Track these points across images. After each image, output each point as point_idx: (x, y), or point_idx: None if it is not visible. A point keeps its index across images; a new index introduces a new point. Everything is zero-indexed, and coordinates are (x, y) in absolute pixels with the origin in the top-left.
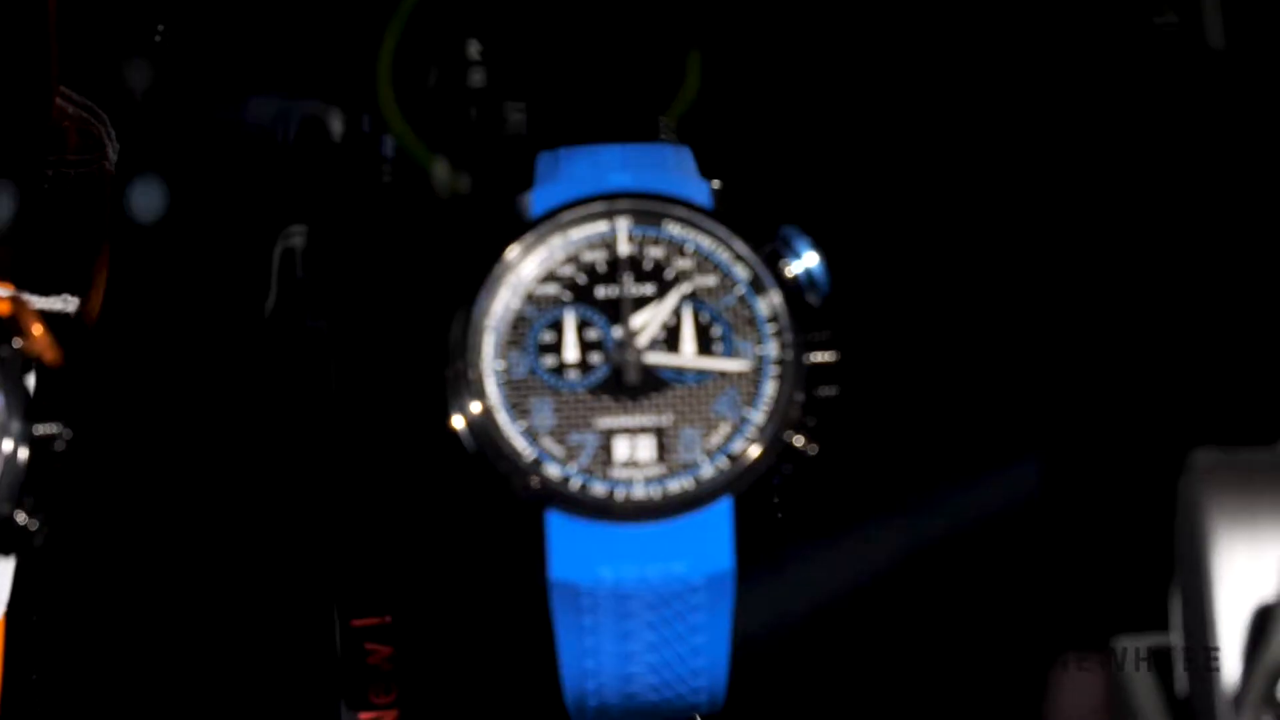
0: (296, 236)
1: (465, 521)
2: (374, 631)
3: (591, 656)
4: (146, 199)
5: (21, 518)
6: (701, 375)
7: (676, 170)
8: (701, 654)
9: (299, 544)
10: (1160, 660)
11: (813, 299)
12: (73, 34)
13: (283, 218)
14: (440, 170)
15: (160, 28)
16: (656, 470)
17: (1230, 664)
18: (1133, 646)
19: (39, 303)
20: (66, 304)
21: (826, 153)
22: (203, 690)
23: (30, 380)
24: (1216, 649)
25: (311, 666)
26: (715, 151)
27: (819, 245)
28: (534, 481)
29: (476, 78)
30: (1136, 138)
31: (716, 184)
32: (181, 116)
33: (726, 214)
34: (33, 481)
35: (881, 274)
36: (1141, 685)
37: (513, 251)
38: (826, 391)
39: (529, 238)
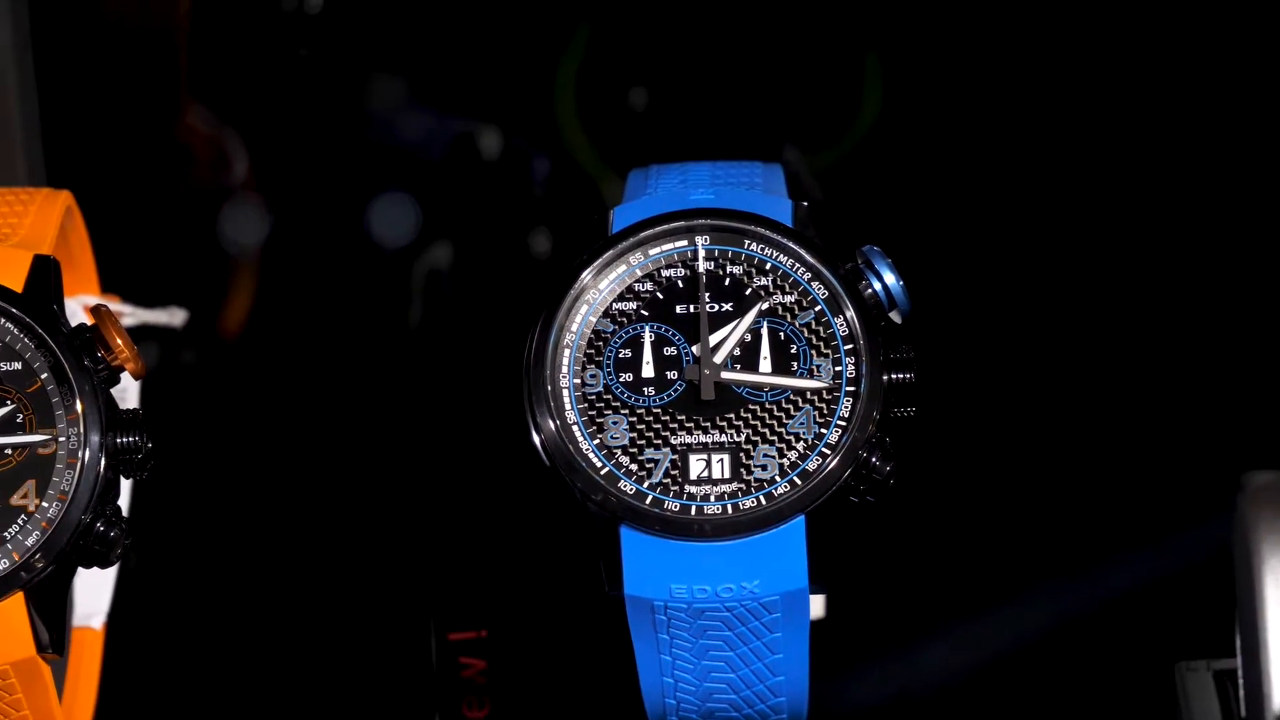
0: (442, 254)
1: (560, 537)
2: (469, 645)
3: (669, 673)
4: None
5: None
6: (778, 393)
7: (763, 188)
8: (780, 672)
9: (399, 557)
10: (1224, 684)
11: (895, 318)
12: (211, 50)
13: (430, 235)
14: (611, 186)
15: (303, 50)
16: (730, 487)
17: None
18: (1196, 669)
19: (142, 314)
20: (172, 316)
21: (919, 172)
22: (300, 701)
23: (134, 389)
24: (1268, 671)
25: (407, 679)
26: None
27: (901, 265)
28: (608, 497)
29: (637, 100)
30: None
31: (804, 204)
32: (328, 134)
33: (807, 232)
34: (114, 492)
35: (968, 295)
36: (1204, 709)
37: (591, 267)
38: (904, 411)
39: (608, 254)
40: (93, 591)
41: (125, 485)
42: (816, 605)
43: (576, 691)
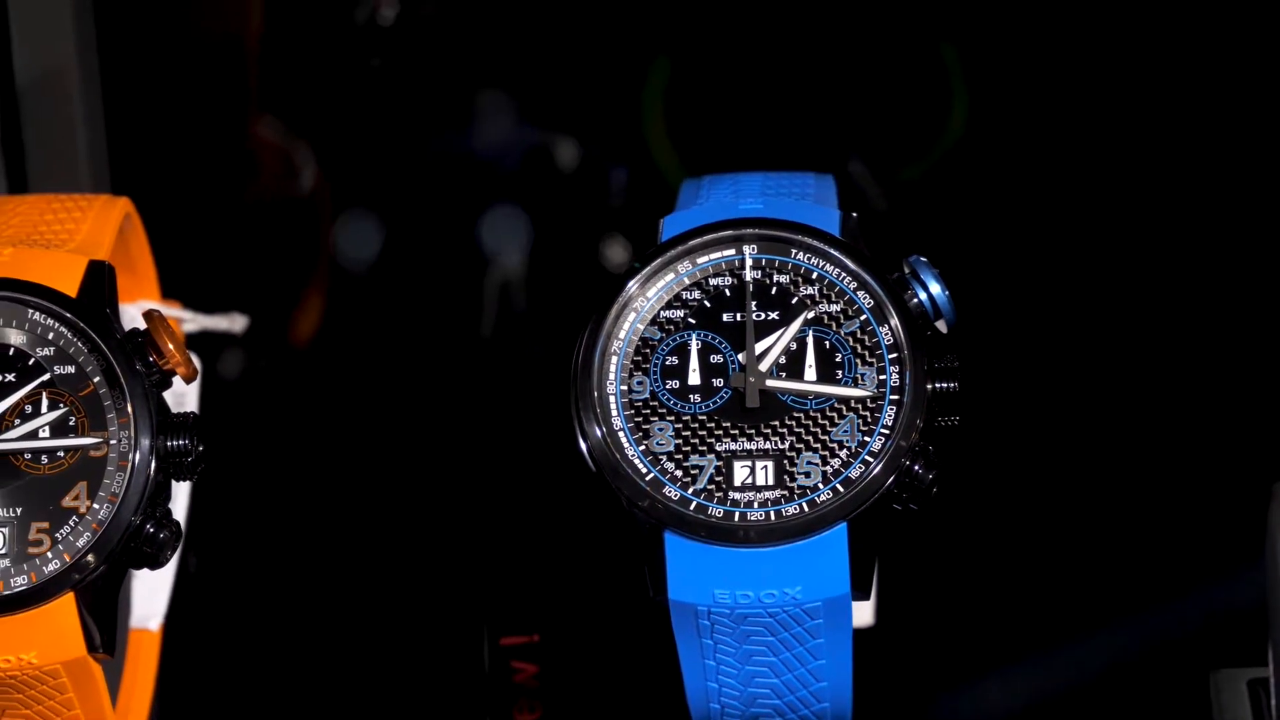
0: (516, 264)
1: (613, 542)
2: (521, 650)
3: (714, 678)
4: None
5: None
6: (822, 401)
7: (814, 199)
8: (823, 677)
9: (454, 561)
10: (1258, 692)
11: (941, 328)
12: (284, 62)
13: (502, 245)
14: None
15: (376, 60)
16: (774, 494)
17: None
18: (1231, 678)
19: (203, 320)
20: (233, 322)
21: (965, 179)
22: (354, 704)
23: (193, 393)
24: None
25: (459, 683)
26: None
27: (947, 275)
28: (654, 504)
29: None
30: None
31: (854, 214)
32: (402, 146)
33: (853, 242)
34: (165, 494)
35: (1014, 303)
36: (1237, 717)
37: (639, 276)
38: (948, 420)
39: (656, 262)
40: (150, 594)
41: (184, 489)
42: (866, 613)
43: (627, 696)
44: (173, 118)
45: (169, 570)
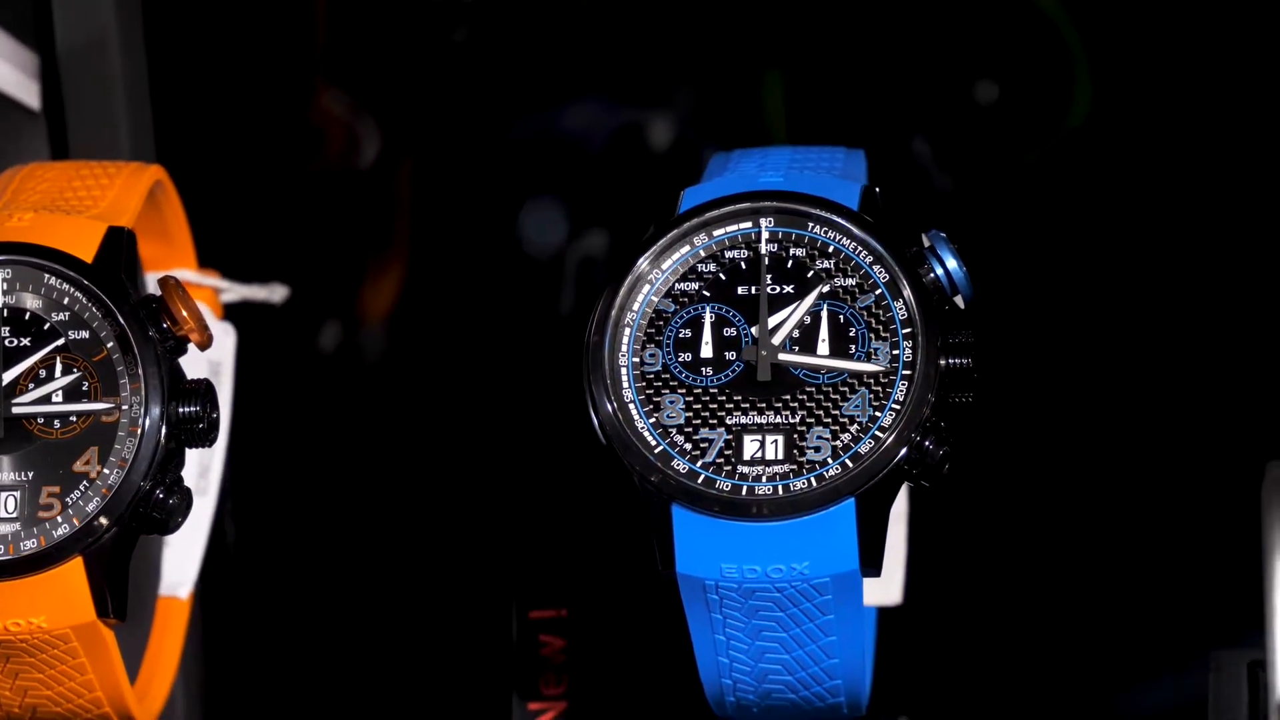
0: (597, 242)
1: (640, 517)
2: (549, 624)
3: (724, 653)
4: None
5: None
6: (834, 375)
7: (840, 173)
8: (835, 654)
9: (484, 536)
10: (1256, 673)
11: (959, 303)
12: (361, 36)
13: (586, 224)
14: None
15: (458, 35)
16: (783, 469)
17: None
18: (1231, 659)
19: (241, 290)
20: (272, 293)
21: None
22: (385, 673)
23: (228, 362)
24: (1272, 658)
25: (487, 655)
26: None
27: (965, 250)
28: (665, 479)
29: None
30: None
31: (876, 189)
32: (490, 122)
33: (871, 217)
34: (177, 461)
35: (1032, 281)
36: (1237, 698)
37: (655, 247)
38: (962, 397)
39: (672, 234)
40: (180, 561)
41: (219, 455)
42: (894, 591)
43: (653, 671)
44: (227, 88)
45: (200, 538)
